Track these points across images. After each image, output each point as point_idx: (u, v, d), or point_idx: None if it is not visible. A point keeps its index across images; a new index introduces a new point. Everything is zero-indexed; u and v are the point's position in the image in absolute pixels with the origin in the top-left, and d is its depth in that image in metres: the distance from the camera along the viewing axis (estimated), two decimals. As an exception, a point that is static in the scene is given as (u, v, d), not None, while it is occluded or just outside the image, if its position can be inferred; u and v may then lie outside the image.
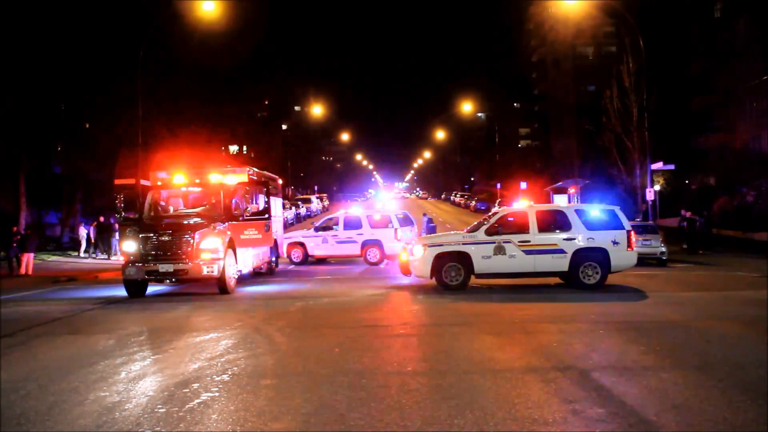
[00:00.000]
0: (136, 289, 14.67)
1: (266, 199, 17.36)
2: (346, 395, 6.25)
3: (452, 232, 19.31)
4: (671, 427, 5.32)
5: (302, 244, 23.69)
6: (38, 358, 8.41)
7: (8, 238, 21.82)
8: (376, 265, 22.37)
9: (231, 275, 14.98)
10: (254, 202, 16.98)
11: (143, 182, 21.93)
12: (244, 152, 60.93)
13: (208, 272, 14.29)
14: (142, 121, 25.87)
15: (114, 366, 7.71)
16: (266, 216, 16.59)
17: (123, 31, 28.59)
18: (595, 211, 14.97)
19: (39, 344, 9.36)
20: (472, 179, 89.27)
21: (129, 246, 14.59)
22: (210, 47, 37.76)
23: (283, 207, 28.42)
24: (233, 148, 60.62)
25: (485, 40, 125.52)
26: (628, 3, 33.66)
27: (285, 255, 22.90)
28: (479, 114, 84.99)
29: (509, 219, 15.07)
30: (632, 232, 14.62)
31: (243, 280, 16.76)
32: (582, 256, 14.23)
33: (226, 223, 15.26)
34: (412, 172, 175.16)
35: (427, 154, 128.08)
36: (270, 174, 21.75)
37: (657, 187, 30.53)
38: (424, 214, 30.56)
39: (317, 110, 72.17)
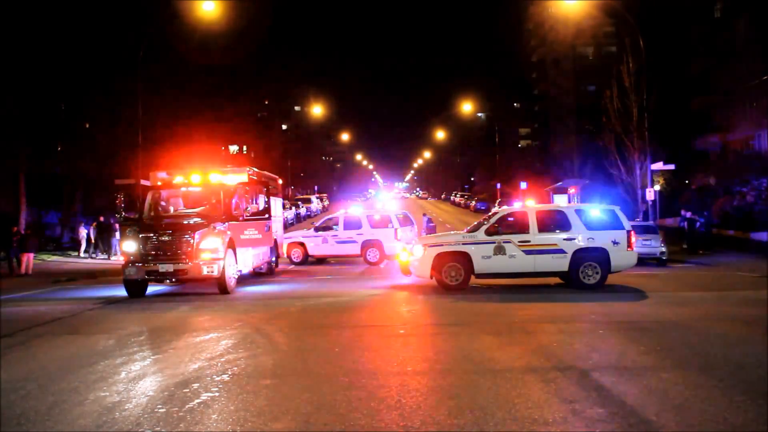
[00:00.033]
0: (136, 289, 14.67)
1: (266, 199, 17.37)
2: (346, 395, 6.25)
3: (452, 232, 19.32)
4: (671, 427, 5.31)
5: (302, 244, 23.70)
6: (38, 358, 8.40)
7: (8, 238, 21.82)
8: (376, 265, 22.38)
9: (231, 275, 14.99)
10: (254, 202, 16.96)
11: (143, 182, 21.92)
12: (244, 152, 60.93)
13: (208, 272, 14.29)
14: (141, 121, 25.87)
15: (114, 366, 7.71)
16: (266, 216, 16.62)
17: (123, 30, 28.64)
18: (595, 211, 14.97)
19: (39, 344, 9.35)
20: (472, 179, 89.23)
21: (129, 246, 14.58)
22: (210, 47, 37.88)
23: (283, 207, 28.40)
24: (233, 148, 60.59)
25: (485, 39, 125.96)
26: (628, 3, 33.64)
27: (285, 255, 22.90)
28: (479, 114, 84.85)
29: (509, 219, 15.06)
30: (632, 232, 14.63)
31: (243, 280, 16.75)
32: (582, 256, 14.24)
33: (226, 223, 15.24)
34: (412, 172, 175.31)
35: (427, 154, 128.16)
36: (270, 174, 21.73)
37: (657, 187, 30.51)
38: (424, 214, 30.61)
39: (317, 110, 72.24)
